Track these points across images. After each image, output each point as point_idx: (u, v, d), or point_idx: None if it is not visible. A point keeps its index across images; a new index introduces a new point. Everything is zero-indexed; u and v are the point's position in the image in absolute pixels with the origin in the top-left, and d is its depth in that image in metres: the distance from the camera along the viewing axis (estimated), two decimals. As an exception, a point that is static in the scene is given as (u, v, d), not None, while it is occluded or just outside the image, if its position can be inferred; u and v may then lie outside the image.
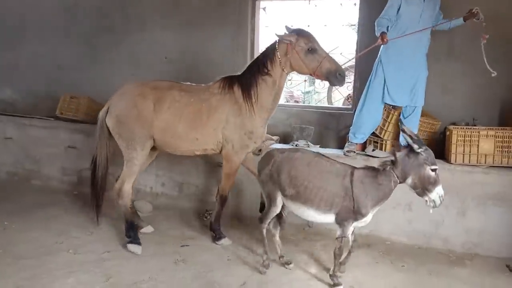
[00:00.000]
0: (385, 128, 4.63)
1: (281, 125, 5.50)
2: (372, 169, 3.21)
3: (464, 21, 4.20)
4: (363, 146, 4.87)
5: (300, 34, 3.73)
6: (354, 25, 6.04)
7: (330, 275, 3.36)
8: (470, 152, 4.09)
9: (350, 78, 6.22)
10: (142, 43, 6.22)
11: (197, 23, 5.82)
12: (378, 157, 4.37)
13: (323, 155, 3.40)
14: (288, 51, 3.71)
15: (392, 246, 4.21)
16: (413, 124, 4.35)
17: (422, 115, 4.72)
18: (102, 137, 4.07)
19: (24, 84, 6.94)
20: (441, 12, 4.36)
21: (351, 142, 4.59)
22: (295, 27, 3.93)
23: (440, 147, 4.62)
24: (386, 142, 4.66)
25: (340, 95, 8.02)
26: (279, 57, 3.75)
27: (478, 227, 4.06)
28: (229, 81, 3.94)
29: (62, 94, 6.07)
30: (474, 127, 4.31)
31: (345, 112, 5.50)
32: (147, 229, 4.32)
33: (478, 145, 4.06)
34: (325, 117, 5.49)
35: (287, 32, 3.82)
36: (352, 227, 3.27)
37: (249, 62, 5.67)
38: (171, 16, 5.99)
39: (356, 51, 5.27)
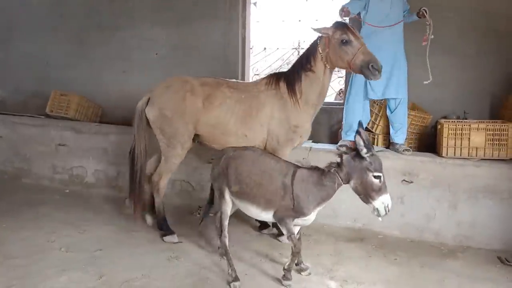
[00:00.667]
0: (377, 122, 4.65)
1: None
2: (317, 169, 3.18)
3: (419, 18, 4.24)
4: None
5: (337, 26, 3.69)
6: (346, 19, 6.03)
7: (284, 269, 3.31)
8: (461, 145, 4.11)
9: (341, 72, 6.24)
10: (132, 39, 6.18)
11: (187, 19, 5.80)
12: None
13: (270, 153, 3.46)
14: (327, 44, 3.69)
15: (384, 240, 4.23)
16: (400, 118, 4.38)
17: (413, 109, 4.75)
18: (140, 128, 4.00)
19: (13, 82, 6.88)
20: (408, 3, 4.37)
21: (344, 140, 4.62)
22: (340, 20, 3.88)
23: (431, 140, 4.66)
24: (378, 136, 4.67)
25: (332, 90, 8.00)
26: (320, 52, 3.72)
27: (470, 220, 4.09)
28: (276, 78, 3.95)
29: (51, 92, 6.02)
30: (465, 120, 4.34)
31: (337, 106, 5.51)
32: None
33: (469, 138, 4.08)
34: (320, 114, 5.46)
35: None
36: (297, 226, 3.26)
37: (240, 57, 5.71)
38: (161, 12, 5.95)
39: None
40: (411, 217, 4.25)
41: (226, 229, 3.44)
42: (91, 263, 3.56)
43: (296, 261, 3.36)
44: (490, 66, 4.65)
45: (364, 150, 2.95)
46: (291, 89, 3.83)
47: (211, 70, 5.31)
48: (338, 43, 3.62)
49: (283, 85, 3.88)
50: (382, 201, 2.97)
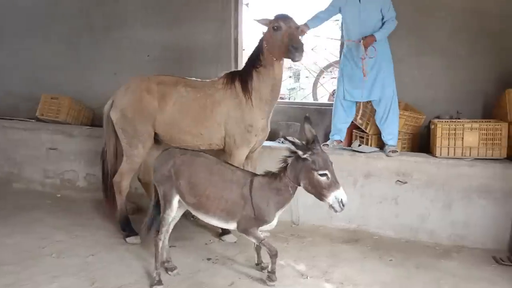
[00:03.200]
0: (370, 123, 4.63)
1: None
2: (271, 175, 3.18)
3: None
4: (349, 142, 4.88)
5: (275, 17, 3.73)
6: (338, 20, 6.03)
7: (268, 272, 3.30)
8: (455, 145, 4.11)
9: (334, 73, 6.23)
10: (124, 41, 6.11)
11: (179, 19, 5.74)
12: (364, 152, 4.37)
13: (225, 162, 3.42)
14: (267, 36, 3.73)
15: (379, 241, 4.21)
16: (391, 119, 4.35)
17: (406, 109, 4.74)
18: (108, 131, 4.13)
19: (3, 85, 6.77)
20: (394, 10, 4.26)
21: (332, 140, 4.65)
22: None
23: (425, 140, 4.66)
24: (371, 137, 4.65)
25: (325, 91, 8.01)
26: (265, 45, 3.75)
27: (464, 220, 4.09)
28: (232, 76, 3.97)
29: (43, 94, 5.94)
30: (458, 120, 4.33)
31: (330, 107, 5.46)
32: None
33: (462, 138, 4.08)
34: (311, 113, 5.43)
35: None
36: (265, 232, 3.27)
37: (232, 58, 5.67)
38: (153, 13, 5.89)
39: (341, 46, 5.25)
40: (406, 218, 4.24)
41: (164, 234, 3.34)
42: (83, 269, 3.51)
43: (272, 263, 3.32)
44: (483, 66, 4.64)
45: (300, 152, 2.94)
46: (244, 87, 3.85)
47: (203, 71, 5.26)
48: (272, 31, 3.67)
49: (237, 84, 3.90)
50: (335, 196, 2.94)
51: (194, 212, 3.32)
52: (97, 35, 6.24)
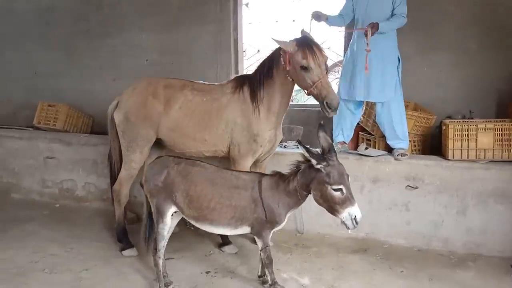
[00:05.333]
0: (377, 125, 4.40)
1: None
2: (280, 175, 2.96)
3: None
4: (356, 145, 4.65)
5: (300, 44, 3.33)
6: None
7: (270, 285, 3.10)
8: (468, 147, 3.85)
9: (339, 73, 6.00)
10: (122, 46, 5.99)
11: (177, 23, 5.60)
12: (371, 156, 4.14)
13: (224, 168, 3.21)
14: (287, 61, 3.36)
15: (390, 250, 3.97)
16: (396, 121, 4.10)
17: (416, 110, 4.52)
18: (112, 132, 3.99)
19: (1, 93, 6.67)
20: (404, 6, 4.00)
21: (335, 142, 4.40)
22: (303, 33, 3.56)
23: (435, 142, 4.42)
24: (379, 139, 4.42)
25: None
26: (283, 63, 3.41)
27: (480, 226, 3.83)
28: (242, 81, 3.72)
29: (40, 102, 5.82)
30: (471, 120, 4.09)
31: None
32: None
33: (476, 139, 3.82)
34: (314, 115, 5.23)
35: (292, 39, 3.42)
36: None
37: (233, 60, 5.49)
38: (150, 17, 5.76)
39: (344, 45, 5.05)
40: (418, 225, 3.99)
41: (163, 250, 3.13)
42: (75, 285, 3.34)
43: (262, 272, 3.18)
44: (495, 62, 4.40)
45: (313, 161, 2.71)
46: (253, 94, 3.60)
47: (203, 74, 5.09)
48: (298, 65, 3.30)
49: (246, 90, 3.64)
50: (348, 213, 2.72)
51: (195, 224, 3.11)
52: (95, 40, 6.14)
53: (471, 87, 4.55)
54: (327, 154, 2.78)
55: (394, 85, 4.06)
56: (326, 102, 3.28)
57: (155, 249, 3.12)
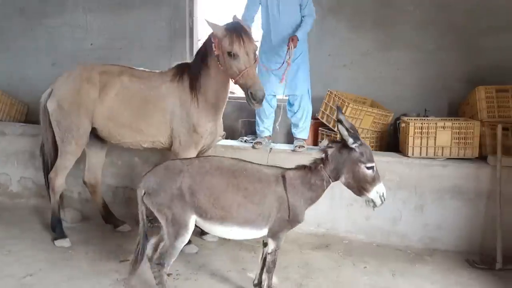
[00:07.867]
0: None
1: (227, 120, 5.03)
2: (303, 168, 2.81)
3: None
4: (314, 140, 4.63)
5: (229, 30, 3.18)
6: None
7: None
8: (427, 144, 3.94)
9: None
10: (62, 28, 5.53)
11: (128, 4, 5.24)
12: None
13: (239, 159, 2.91)
14: (217, 46, 3.22)
15: (350, 245, 3.99)
16: (306, 115, 4.21)
17: (373, 106, 4.56)
18: (45, 122, 3.77)
19: None
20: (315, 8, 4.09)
21: (261, 137, 4.36)
22: (235, 19, 3.40)
23: (390, 139, 4.52)
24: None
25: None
26: (214, 49, 3.26)
27: (436, 222, 3.94)
28: (182, 69, 3.53)
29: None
30: (428, 118, 4.20)
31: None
32: (124, 227, 4.10)
33: (435, 137, 3.92)
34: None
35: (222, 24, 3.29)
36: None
37: (187, 49, 5.22)
38: (97, -4, 5.31)
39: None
40: (377, 220, 4.03)
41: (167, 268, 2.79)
42: (18, 294, 2.97)
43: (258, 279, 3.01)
44: (449, 63, 4.56)
45: (351, 140, 2.64)
46: (192, 84, 3.46)
47: (155, 62, 4.79)
48: (225, 52, 3.18)
49: (186, 78, 3.49)
50: (376, 191, 2.71)
51: (216, 229, 2.78)
52: (31, 20, 5.60)
53: (426, 86, 4.68)
54: (353, 133, 2.68)
55: (309, 80, 4.17)
56: (251, 92, 3.17)
57: (159, 264, 2.75)
